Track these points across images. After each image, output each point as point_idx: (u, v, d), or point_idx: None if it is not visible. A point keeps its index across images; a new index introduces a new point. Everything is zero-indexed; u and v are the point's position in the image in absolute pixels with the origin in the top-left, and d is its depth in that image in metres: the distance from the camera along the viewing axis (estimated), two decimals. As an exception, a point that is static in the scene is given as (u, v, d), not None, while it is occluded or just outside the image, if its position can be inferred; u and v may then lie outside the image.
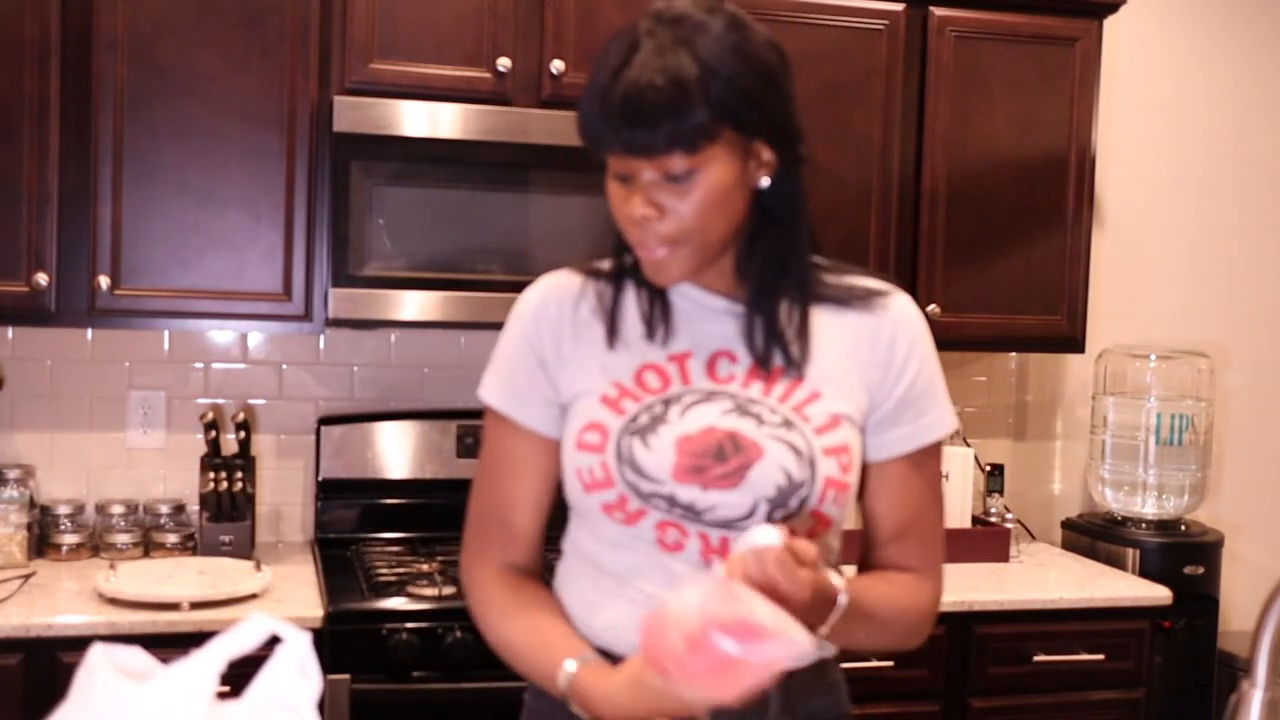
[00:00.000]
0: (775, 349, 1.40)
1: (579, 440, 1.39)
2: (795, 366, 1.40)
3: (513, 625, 1.42)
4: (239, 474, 2.85)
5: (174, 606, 2.40)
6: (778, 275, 1.40)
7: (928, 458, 1.47)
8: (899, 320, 1.44)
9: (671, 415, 1.37)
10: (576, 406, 1.42)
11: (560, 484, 1.46)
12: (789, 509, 1.35)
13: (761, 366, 1.40)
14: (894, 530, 1.46)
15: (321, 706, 2.54)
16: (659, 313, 1.42)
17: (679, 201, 1.30)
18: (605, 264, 1.47)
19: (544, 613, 1.42)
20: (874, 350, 1.43)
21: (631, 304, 1.44)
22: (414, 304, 2.65)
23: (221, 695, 0.93)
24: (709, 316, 1.42)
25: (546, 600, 1.45)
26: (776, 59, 1.36)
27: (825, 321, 1.42)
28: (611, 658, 1.36)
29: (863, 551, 1.49)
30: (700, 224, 1.32)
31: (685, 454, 1.35)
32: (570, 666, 1.32)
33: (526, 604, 1.43)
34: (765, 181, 1.36)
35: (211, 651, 0.92)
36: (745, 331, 1.41)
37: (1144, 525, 3.27)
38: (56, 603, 2.45)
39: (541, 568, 1.50)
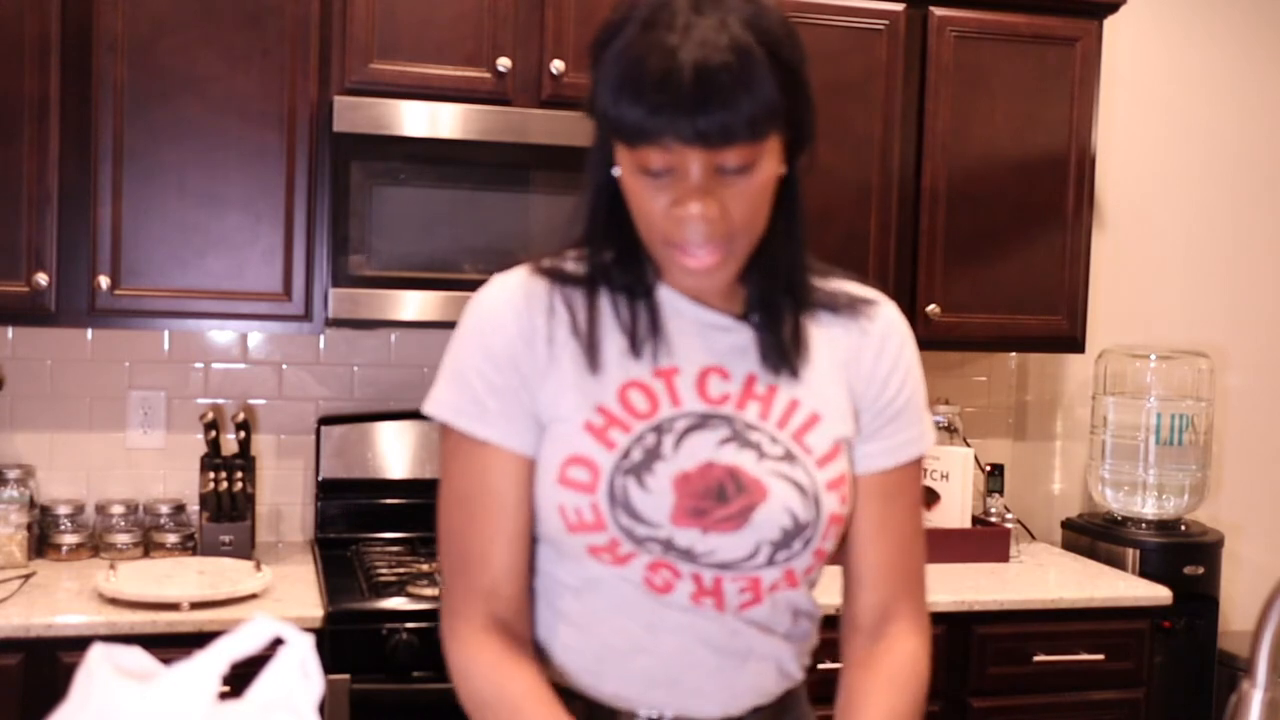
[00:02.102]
0: (776, 365, 1.29)
1: (562, 475, 1.24)
2: (792, 384, 1.29)
3: (498, 712, 1.24)
4: (239, 474, 2.85)
5: (174, 606, 2.40)
6: (779, 280, 1.28)
7: (908, 478, 1.37)
8: (887, 330, 1.35)
9: (665, 447, 1.24)
10: (555, 432, 1.26)
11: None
12: (792, 550, 1.26)
13: (758, 384, 1.28)
14: (879, 561, 1.35)
15: (321, 707, 2.54)
16: (645, 325, 1.27)
17: (736, 196, 1.17)
18: (570, 265, 1.31)
19: (530, 703, 1.23)
20: (860, 361, 1.33)
21: (608, 314, 1.29)
22: (414, 304, 2.65)
23: (223, 695, 0.93)
24: (696, 329, 1.29)
25: (534, 687, 1.25)
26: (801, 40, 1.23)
27: (816, 331, 1.32)
28: (584, 700, 1.30)
29: (852, 593, 1.37)
30: (755, 222, 1.20)
31: (685, 495, 1.23)
32: None
33: (513, 694, 1.24)
34: (783, 169, 1.23)
35: (214, 653, 0.92)
36: (741, 345, 1.29)
37: (1144, 525, 3.27)
38: (56, 603, 2.45)
39: (529, 620, 1.32)
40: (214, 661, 0.92)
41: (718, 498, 1.24)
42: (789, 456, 1.27)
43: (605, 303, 1.29)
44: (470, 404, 1.28)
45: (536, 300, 1.29)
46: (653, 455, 1.24)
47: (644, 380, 1.27)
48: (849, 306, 1.34)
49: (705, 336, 1.29)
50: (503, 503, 1.27)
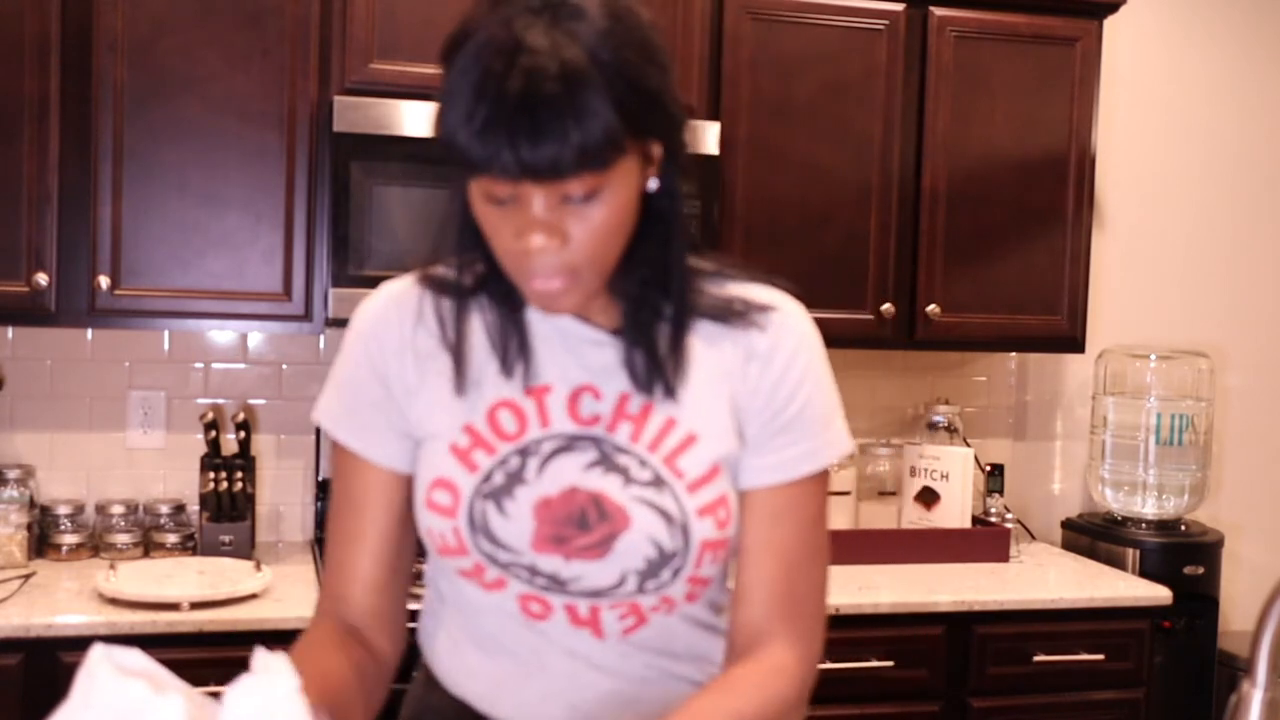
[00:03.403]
0: (648, 384, 1.21)
1: (428, 499, 1.22)
2: (668, 402, 1.21)
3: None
4: (239, 474, 2.85)
5: (174, 606, 2.40)
6: (657, 292, 1.20)
7: (804, 494, 1.25)
8: (780, 336, 1.24)
9: (529, 471, 1.20)
10: (425, 451, 1.23)
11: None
12: (661, 580, 1.20)
13: (630, 403, 1.21)
14: (759, 580, 1.24)
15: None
16: (515, 343, 1.22)
17: (580, 225, 1.09)
18: (447, 272, 1.24)
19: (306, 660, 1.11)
20: (747, 374, 1.24)
21: (479, 329, 1.23)
22: (414, 304, 2.64)
23: (214, 694, 0.93)
24: (570, 345, 1.23)
25: (323, 663, 1.18)
26: (658, 39, 1.13)
27: (700, 341, 1.23)
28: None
29: (731, 612, 1.28)
30: (605, 248, 1.12)
31: (545, 522, 1.19)
32: None
33: (322, 676, 1.14)
34: (654, 184, 1.16)
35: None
36: (615, 363, 1.22)
37: (1144, 525, 3.27)
38: (56, 603, 2.45)
39: (385, 634, 1.30)
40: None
41: (579, 525, 1.19)
42: (657, 482, 1.20)
43: (477, 317, 1.24)
44: (345, 413, 1.27)
45: (409, 313, 1.25)
46: (515, 479, 1.20)
47: (514, 400, 1.22)
48: (740, 315, 1.24)
49: (578, 353, 1.23)
50: (365, 514, 1.26)
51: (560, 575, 1.20)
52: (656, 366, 1.20)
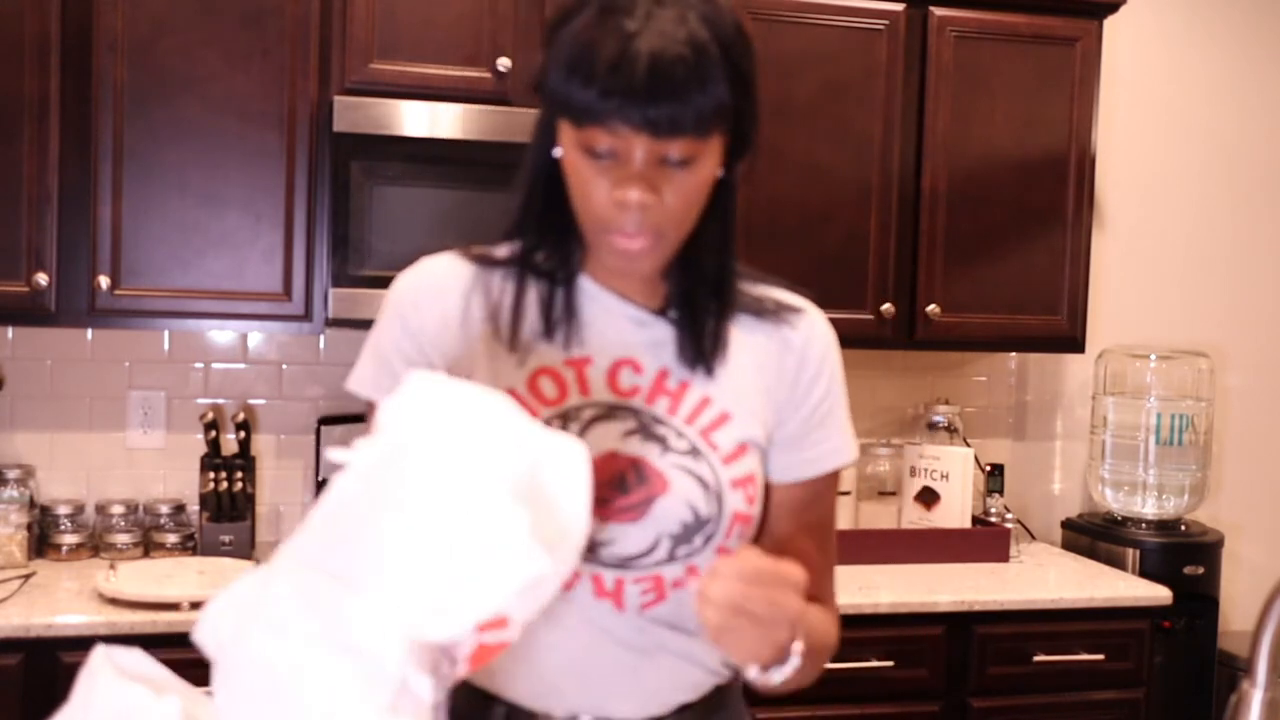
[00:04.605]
0: (691, 361, 1.28)
1: None
2: (705, 381, 1.28)
3: None
4: (239, 474, 2.85)
5: (174, 606, 2.40)
6: (704, 280, 1.28)
7: (825, 488, 1.36)
8: (810, 338, 1.34)
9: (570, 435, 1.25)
10: None
11: None
12: (693, 546, 1.26)
13: (669, 379, 1.28)
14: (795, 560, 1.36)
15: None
16: (561, 310, 1.28)
17: (671, 189, 1.17)
18: (498, 252, 1.32)
19: None
20: (782, 367, 1.32)
21: (527, 299, 1.29)
22: (414, 304, 2.65)
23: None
24: (614, 322, 1.29)
25: None
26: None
27: (738, 334, 1.31)
28: (504, 703, 1.30)
29: None
30: (687, 216, 1.20)
31: None
32: None
33: None
34: (721, 172, 1.23)
35: None
36: (656, 340, 1.29)
37: (1144, 525, 3.27)
38: (56, 603, 2.45)
39: None
40: None
41: (619, 487, 1.24)
42: (694, 452, 1.26)
43: (525, 287, 1.29)
44: (387, 378, 1.28)
45: (456, 282, 1.30)
46: None
47: (555, 368, 1.27)
48: (774, 313, 1.33)
49: (621, 329, 1.29)
50: None
51: (595, 538, 1.23)
52: (701, 346, 1.27)
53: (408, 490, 0.90)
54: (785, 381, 1.32)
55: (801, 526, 1.34)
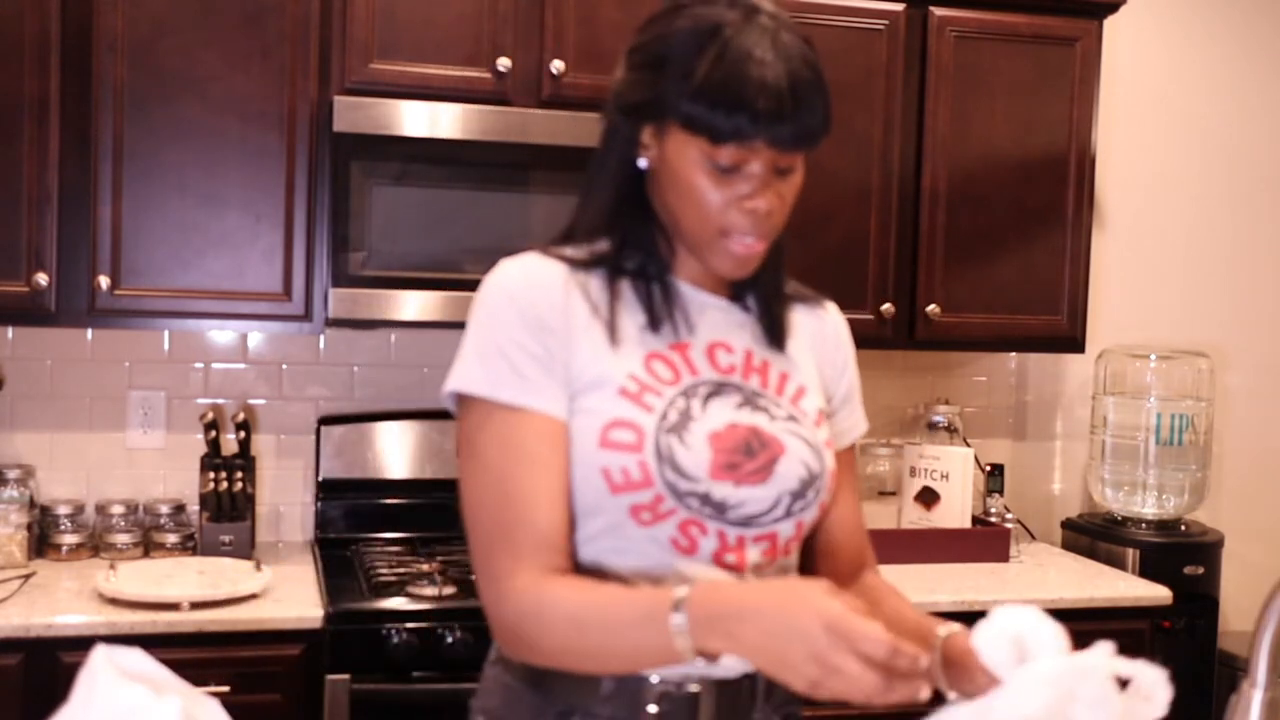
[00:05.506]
0: (769, 341, 1.43)
1: (604, 438, 1.30)
2: (780, 358, 1.44)
3: (593, 613, 1.24)
4: (239, 474, 2.85)
5: (174, 606, 2.40)
6: (774, 269, 1.44)
7: (850, 456, 1.55)
8: (839, 322, 1.54)
9: (694, 409, 1.34)
10: (590, 397, 1.32)
11: None
12: (806, 500, 1.39)
13: (754, 357, 1.42)
14: (848, 520, 1.53)
15: (322, 706, 2.54)
16: (662, 303, 1.39)
17: (784, 194, 1.34)
18: (578, 253, 1.39)
19: (619, 594, 1.26)
20: (824, 348, 1.50)
21: (623, 295, 1.38)
22: (414, 304, 2.65)
23: (214, 694, 0.93)
24: (699, 309, 1.42)
25: (609, 584, 1.30)
26: None
27: (791, 316, 1.48)
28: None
29: (824, 553, 1.51)
30: (787, 218, 1.37)
31: (719, 450, 1.33)
32: (682, 591, 1.17)
33: (596, 593, 1.26)
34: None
35: None
36: (736, 323, 1.43)
37: (1144, 525, 3.27)
38: (56, 603, 2.45)
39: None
40: None
41: (746, 452, 1.34)
42: (793, 418, 1.40)
43: (621, 285, 1.38)
44: (508, 374, 1.31)
45: (555, 278, 1.36)
46: (686, 416, 1.33)
47: (662, 352, 1.37)
48: (805, 300, 1.51)
49: (706, 315, 1.42)
50: (545, 464, 1.30)
51: (728, 501, 1.33)
52: (776, 328, 1.44)
53: None
54: (828, 360, 1.50)
55: (847, 488, 1.52)
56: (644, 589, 1.28)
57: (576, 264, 1.38)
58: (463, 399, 1.34)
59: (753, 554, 1.36)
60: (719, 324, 1.42)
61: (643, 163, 1.35)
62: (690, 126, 1.28)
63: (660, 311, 1.38)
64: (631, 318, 1.37)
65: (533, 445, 1.30)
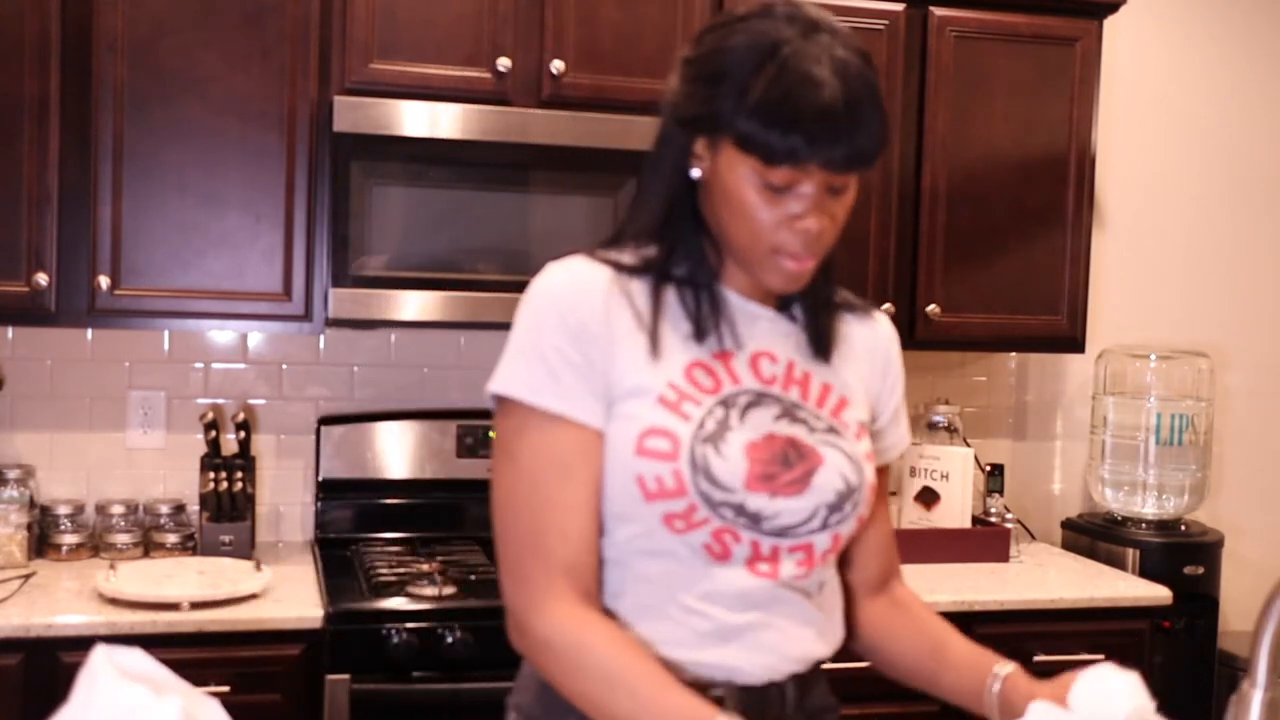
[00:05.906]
0: (814, 353, 1.43)
1: (640, 446, 1.30)
2: (824, 369, 1.43)
3: (628, 678, 1.25)
4: (239, 474, 2.85)
5: (174, 606, 2.40)
6: (825, 280, 1.43)
7: (887, 475, 1.55)
8: (891, 336, 1.52)
9: (733, 419, 1.34)
10: (628, 405, 1.32)
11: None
12: (843, 513, 1.38)
13: (796, 369, 1.41)
14: (883, 536, 1.53)
15: (322, 706, 2.54)
16: (709, 313, 1.38)
17: (835, 213, 1.32)
18: (626, 257, 1.38)
19: (658, 671, 1.26)
20: (873, 361, 1.49)
21: (669, 303, 1.38)
22: (414, 304, 2.65)
23: (214, 694, 0.93)
24: (744, 319, 1.41)
25: (659, 666, 1.28)
26: None
27: (841, 327, 1.47)
28: None
29: (855, 568, 1.53)
30: (839, 235, 1.35)
31: (756, 461, 1.32)
32: None
33: (636, 659, 1.26)
34: None
35: None
36: (781, 333, 1.42)
37: (1144, 525, 3.27)
38: (56, 603, 2.45)
39: (600, 592, 1.36)
40: None
41: (783, 463, 1.34)
42: (832, 430, 1.39)
43: (666, 292, 1.37)
44: (546, 379, 1.31)
45: (600, 284, 1.35)
46: (723, 426, 1.33)
47: (705, 361, 1.37)
48: (862, 310, 1.50)
49: (751, 325, 1.41)
50: (579, 476, 1.31)
51: (763, 512, 1.33)
52: (822, 339, 1.43)
53: None
54: (878, 374, 1.49)
55: (878, 506, 1.51)
56: (685, 691, 1.24)
57: (623, 269, 1.37)
58: (502, 400, 1.34)
59: (787, 565, 1.36)
60: (766, 334, 1.41)
61: (695, 173, 1.34)
62: (744, 145, 1.27)
63: (706, 321, 1.37)
64: (675, 327, 1.37)
65: (568, 454, 1.31)
